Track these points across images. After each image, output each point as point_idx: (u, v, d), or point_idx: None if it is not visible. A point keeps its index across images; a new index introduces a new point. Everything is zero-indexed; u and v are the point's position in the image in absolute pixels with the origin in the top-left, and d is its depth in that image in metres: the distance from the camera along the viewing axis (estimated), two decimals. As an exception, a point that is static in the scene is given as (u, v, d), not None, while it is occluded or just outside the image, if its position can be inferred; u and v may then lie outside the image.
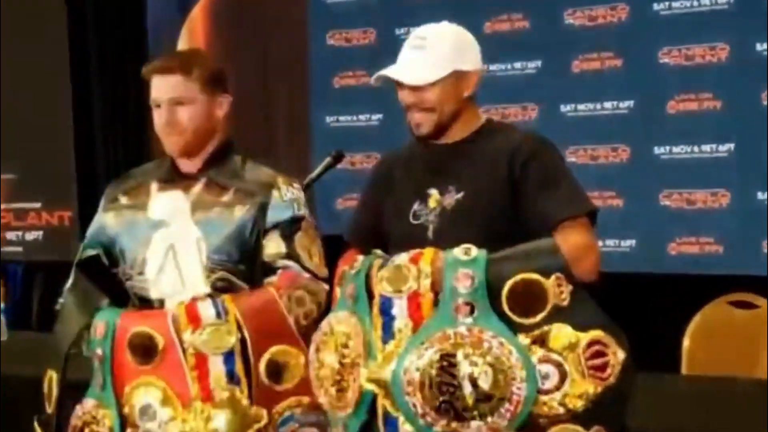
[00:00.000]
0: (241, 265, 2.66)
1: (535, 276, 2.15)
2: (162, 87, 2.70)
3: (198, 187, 2.73)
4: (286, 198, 2.67)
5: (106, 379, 2.58)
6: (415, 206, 2.44)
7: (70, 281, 2.89)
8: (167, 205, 2.75)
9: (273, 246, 2.65)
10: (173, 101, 2.69)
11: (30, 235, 6.32)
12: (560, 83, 4.67)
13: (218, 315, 2.56)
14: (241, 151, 2.82)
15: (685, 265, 4.41)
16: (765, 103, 4.23)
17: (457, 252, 2.22)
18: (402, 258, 2.29)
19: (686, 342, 3.70)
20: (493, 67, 4.68)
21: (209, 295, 2.62)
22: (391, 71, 2.44)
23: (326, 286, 2.63)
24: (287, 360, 2.56)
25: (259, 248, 2.66)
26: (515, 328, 2.14)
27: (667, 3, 4.44)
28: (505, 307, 2.16)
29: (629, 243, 4.55)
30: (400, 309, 2.25)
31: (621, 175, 4.56)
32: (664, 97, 4.45)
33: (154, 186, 2.80)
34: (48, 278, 6.08)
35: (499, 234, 2.28)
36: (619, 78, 4.54)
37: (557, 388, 2.13)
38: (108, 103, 6.12)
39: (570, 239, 2.23)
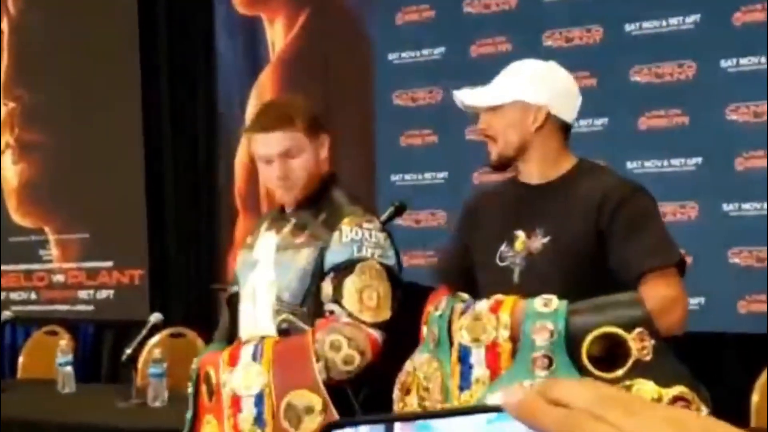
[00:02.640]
0: (303, 308, 2.68)
1: (617, 330, 2.12)
2: (270, 143, 2.74)
3: (287, 228, 2.77)
4: (346, 240, 2.66)
5: (192, 413, 2.76)
6: (502, 248, 2.43)
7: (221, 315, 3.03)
8: (263, 246, 2.81)
9: (325, 289, 2.67)
10: (284, 154, 2.74)
11: (101, 294, 6.40)
12: (627, 140, 4.66)
13: (254, 357, 2.59)
14: (343, 188, 2.84)
15: (755, 323, 4.34)
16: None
17: (537, 303, 2.20)
18: (482, 306, 2.27)
19: (755, 397, 3.63)
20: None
21: (281, 334, 2.67)
22: (459, 93, 2.49)
23: (372, 332, 2.58)
24: (305, 405, 2.55)
25: (318, 291, 2.68)
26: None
27: (733, 60, 4.41)
28: (585, 361, 2.13)
29: (698, 300, 4.48)
30: (478, 358, 2.24)
31: (689, 232, 4.51)
32: (731, 153, 4.41)
33: (264, 226, 2.86)
34: (118, 336, 6.14)
35: (584, 281, 2.25)
36: (593, 97, 4.55)
37: None
38: (179, 163, 6.21)
39: (655, 291, 2.19)
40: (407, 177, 5.30)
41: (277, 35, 5.93)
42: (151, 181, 6.18)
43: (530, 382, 2.11)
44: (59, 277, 6.52)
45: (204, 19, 6.15)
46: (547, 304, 2.20)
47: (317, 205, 2.77)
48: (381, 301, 2.62)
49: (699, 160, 4.49)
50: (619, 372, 2.10)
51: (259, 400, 2.58)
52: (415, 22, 5.28)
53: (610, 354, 2.13)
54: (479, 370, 2.24)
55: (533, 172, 2.44)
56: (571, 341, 2.14)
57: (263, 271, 2.78)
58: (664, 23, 4.55)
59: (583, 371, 2.12)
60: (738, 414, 3.70)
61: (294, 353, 2.59)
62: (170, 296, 6.16)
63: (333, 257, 2.68)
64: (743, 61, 4.38)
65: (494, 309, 2.25)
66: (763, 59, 4.33)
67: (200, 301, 6.06)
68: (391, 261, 2.70)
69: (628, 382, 2.10)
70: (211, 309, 5.94)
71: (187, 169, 6.20)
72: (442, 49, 5.12)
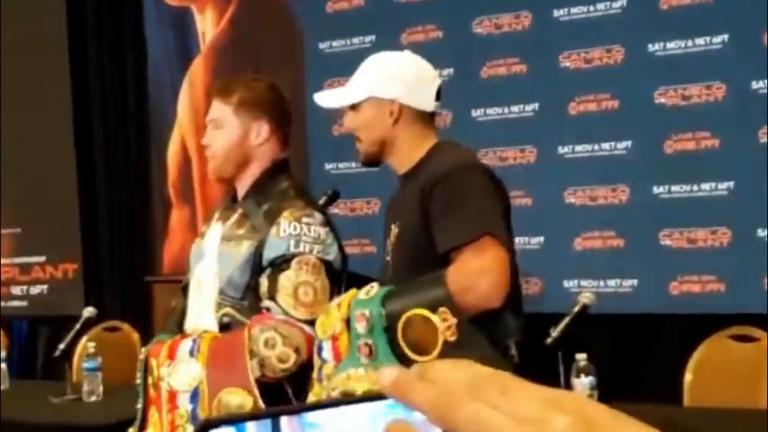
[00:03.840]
0: (244, 302, 2.66)
1: (423, 312, 2.12)
2: (210, 109, 2.78)
3: (233, 218, 2.75)
4: (283, 234, 2.63)
5: (142, 404, 2.72)
6: (387, 244, 2.48)
7: (173, 302, 2.98)
8: (211, 236, 2.79)
9: (262, 284, 2.65)
10: (211, 123, 2.76)
11: (35, 289, 6.32)
12: (557, 125, 4.70)
13: (191, 352, 2.58)
14: (293, 179, 2.82)
15: (687, 303, 4.41)
16: (763, 140, 4.24)
17: (362, 292, 2.21)
18: (334, 302, 2.30)
19: (688, 376, 3.69)
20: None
21: (222, 328, 2.65)
22: (317, 96, 2.52)
23: (308, 329, 2.53)
24: (237, 403, 2.53)
25: (257, 285, 2.66)
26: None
27: (661, 44, 4.47)
28: (403, 346, 2.14)
29: (631, 283, 4.54)
30: (328, 352, 2.25)
31: (621, 215, 4.57)
32: (660, 136, 4.47)
33: (216, 214, 2.84)
34: (53, 331, 6.07)
35: (422, 263, 2.25)
36: (615, 119, 4.56)
37: None
38: (110, 154, 6.15)
39: (459, 268, 2.18)
40: (341, 165, 5.30)
41: (207, 25, 5.89)
42: (83, 174, 6.10)
43: (355, 371, 2.13)
44: (-9, 273, 6.43)
45: (133, 10, 6.09)
46: (368, 292, 2.20)
47: (264, 194, 2.75)
48: (318, 297, 2.58)
49: (629, 143, 4.54)
50: (433, 354, 2.10)
51: (194, 396, 2.56)
52: (345, 10, 5.27)
53: (424, 336, 2.12)
54: (330, 363, 2.24)
55: (398, 163, 2.48)
56: (391, 327, 2.13)
57: (208, 263, 2.76)
58: (591, 8, 4.59)
59: (402, 357, 2.11)
60: (672, 393, 3.76)
61: (229, 350, 2.57)
62: (105, 290, 6.10)
63: (270, 252, 2.65)
64: (670, 45, 4.43)
65: (339, 303, 2.27)
66: (690, 42, 4.39)
67: (135, 294, 6.01)
68: (331, 256, 2.66)
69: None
70: (145, 302, 5.90)
71: (119, 162, 6.14)
72: (372, 38, 5.13)
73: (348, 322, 2.21)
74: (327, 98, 2.56)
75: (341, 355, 2.22)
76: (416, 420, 0.63)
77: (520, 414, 0.61)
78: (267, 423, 0.64)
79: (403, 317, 2.14)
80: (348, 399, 0.66)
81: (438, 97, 2.51)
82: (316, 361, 2.31)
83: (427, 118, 2.49)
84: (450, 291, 2.13)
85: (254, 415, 0.64)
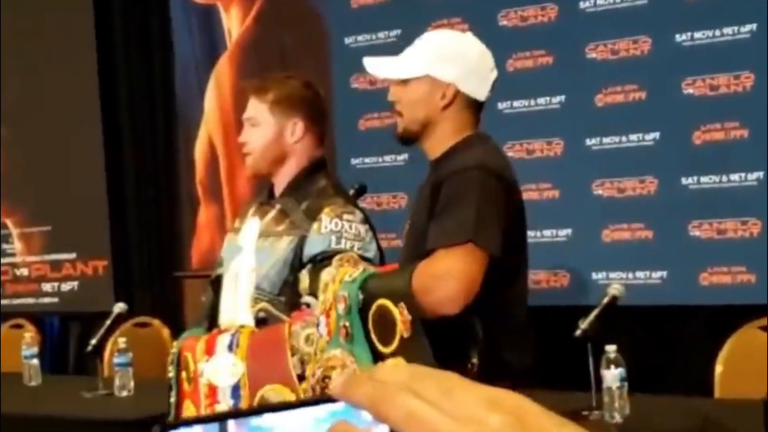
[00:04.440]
0: (280, 297, 2.67)
1: (387, 303, 2.11)
2: (247, 107, 2.80)
3: (271, 214, 2.76)
4: (325, 231, 2.64)
5: (175, 398, 2.72)
6: (406, 228, 2.45)
7: (203, 297, 2.99)
8: (247, 231, 2.80)
9: (303, 280, 2.66)
10: (248, 121, 2.79)
11: (66, 286, 6.37)
12: (585, 117, 4.68)
13: (230, 347, 2.59)
14: (330, 176, 2.82)
15: (717, 295, 4.39)
16: (791, 129, 4.22)
17: (347, 274, 2.20)
18: (330, 277, 2.28)
19: (718, 367, 3.67)
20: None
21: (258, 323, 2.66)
22: (368, 61, 2.44)
23: None
24: (279, 399, 2.54)
25: (296, 282, 2.67)
26: (380, 356, 2.11)
27: (689, 34, 4.45)
28: (372, 333, 2.13)
29: (660, 274, 4.53)
30: (323, 327, 2.26)
31: (649, 206, 4.55)
32: (688, 127, 4.45)
33: (252, 210, 2.85)
34: (84, 327, 6.12)
35: (423, 257, 2.23)
36: (643, 110, 4.54)
37: None
38: (139, 152, 6.19)
39: (429, 267, 2.14)
40: (367, 160, 5.31)
41: (233, 23, 5.91)
42: (112, 171, 6.14)
43: (333, 352, 2.14)
44: (23, 271, 6.49)
45: (159, 8, 6.12)
46: (352, 274, 2.19)
47: (302, 192, 2.76)
48: None
49: (657, 134, 4.52)
50: (392, 346, 2.08)
51: (235, 391, 2.58)
52: (370, 5, 5.28)
53: (388, 327, 2.10)
54: (324, 338, 2.24)
55: (432, 148, 2.40)
56: (366, 312, 2.13)
57: (245, 258, 2.77)
58: (618, 0, 4.57)
59: (371, 343, 2.11)
60: (703, 385, 3.75)
61: (269, 346, 2.58)
62: (134, 286, 6.14)
63: (311, 248, 2.66)
64: (697, 34, 4.41)
65: (333, 278, 2.26)
66: (717, 32, 4.37)
67: (164, 290, 6.04)
68: (371, 253, 2.67)
69: (395, 358, 2.08)
70: (175, 297, 5.93)
71: (148, 159, 6.18)
72: (398, 31, 5.13)
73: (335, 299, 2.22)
74: (379, 66, 2.45)
75: (332, 332, 2.22)
76: (364, 422, 0.64)
77: (458, 412, 0.62)
78: (214, 427, 0.65)
79: (374, 305, 2.12)
80: (292, 403, 0.67)
81: (492, 88, 2.43)
82: (316, 335, 2.31)
83: (475, 108, 2.40)
84: (410, 287, 2.10)
85: (201, 419, 0.66)
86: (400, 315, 2.08)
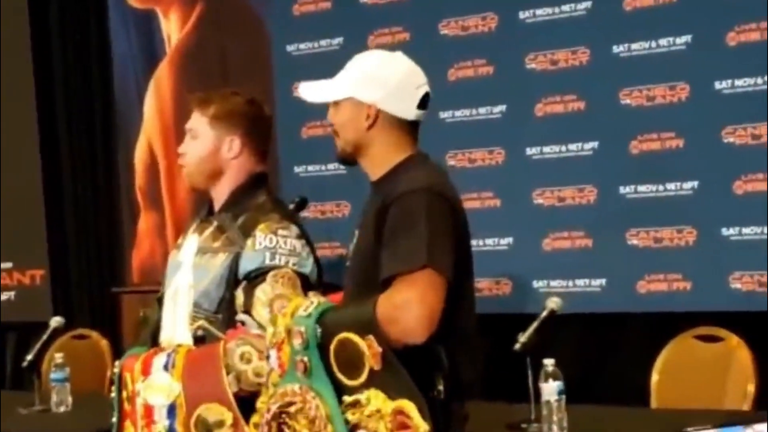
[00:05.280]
0: (218, 315, 2.66)
1: (352, 336, 2.10)
2: (191, 118, 2.80)
3: (209, 231, 2.74)
4: (259, 247, 2.63)
5: (117, 418, 2.72)
6: (349, 248, 2.45)
7: (141, 312, 2.97)
8: (187, 247, 2.78)
9: (238, 297, 2.65)
10: (189, 133, 2.78)
11: (2, 296, 6.28)
12: (525, 126, 4.72)
13: (165, 367, 2.57)
14: (270, 192, 2.81)
15: (654, 302, 4.44)
16: (726, 140, 4.28)
17: (301, 308, 2.21)
18: (282, 311, 2.29)
19: (654, 376, 3.72)
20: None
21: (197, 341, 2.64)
22: (302, 86, 2.47)
23: None
24: (216, 419, 2.53)
25: (232, 299, 2.66)
26: (344, 390, 2.11)
27: (626, 45, 4.50)
28: (334, 367, 2.13)
29: (599, 282, 4.58)
30: (274, 360, 2.25)
31: (589, 215, 4.60)
32: (626, 136, 4.50)
33: (193, 226, 2.83)
34: (21, 338, 6.04)
35: (370, 283, 2.22)
36: (582, 120, 4.59)
37: None
38: (77, 159, 6.12)
39: (389, 298, 2.14)
40: (311, 168, 5.30)
41: (173, 28, 5.87)
42: (49, 179, 6.07)
43: (291, 387, 2.15)
44: (-42, 280, 6.39)
45: (97, 12, 6.06)
46: (307, 308, 2.19)
47: (239, 207, 2.75)
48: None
49: (596, 144, 4.56)
50: (360, 379, 2.09)
51: (171, 411, 2.56)
52: (312, 12, 5.27)
53: (354, 361, 2.11)
54: (276, 371, 2.25)
55: (371, 169, 2.41)
56: (326, 347, 2.13)
57: (183, 275, 2.76)
58: (557, 9, 4.61)
59: (333, 377, 2.12)
60: (640, 394, 3.79)
61: (205, 364, 2.57)
62: (73, 296, 6.07)
63: (245, 265, 2.65)
64: (635, 46, 4.46)
65: (285, 312, 2.26)
66: (653, 43, 4.42)
67: (103, 302, 5.98)
68: (307, 269, 2.66)
69: (365, 391, 2.08)
70: (114, 309, 5.87)
71: (86, 167, 6.11)
72: (340, 40, 5.13)
73: (290, 333, 2.21)
74: (309, 91, 2.49)
75: (284, 365, 2.22)
76: None
77: None
78: None
79: (335, 339, 2.13)
80: None
81: (423, 105, 2.45)
82: (265, 368, 2.31)
83: (406, 127, 2.41)
84: (377, 319, 2.10)
85: None
86: (369, 348, 2.08)
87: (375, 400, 2.08)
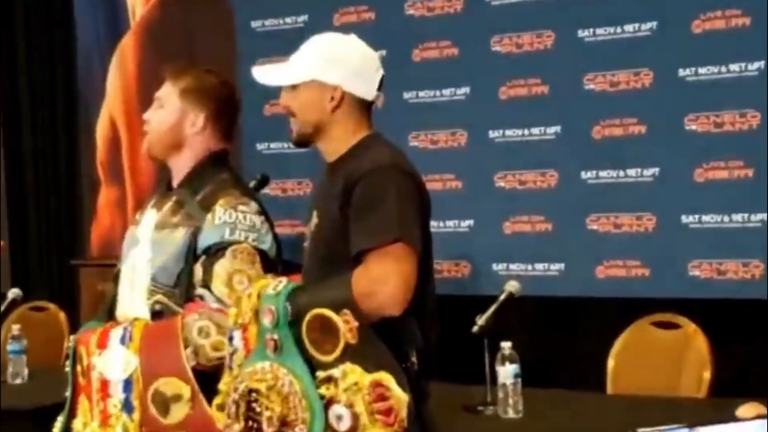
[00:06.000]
0: (176, 289, 2.65)
1: (326, 312, 2.12)
2: (162, 88, 2.79)
3: (168, 206, 2.73)
4: (218, 222, 2.62)
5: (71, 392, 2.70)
6: (307, 228, 2.45)
7: (99, 287, 2.96)
8: (145, 223, 2.77)
9: (197, 272, 2.64)
10: (157, 101, 2.77)
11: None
12: (489, 109, 4.72)
13: (122, 340, 2.56)
14: (231, 170, 2.80)
15: (613, 288, 4.47)
16: (688, 127, 4.31)
17: (269, 286, 2.21)
18: (245, 291, 2.30)
19: (610, 362, 3.75)
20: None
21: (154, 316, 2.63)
22: (256, 70, 2.46)
23: None
24: (173, 393, 2.53)
25: (191, 273, 2.65)
26: (318, 365, 2.12)
27: (591, 30, 4.51)
28: (307, 344, 2.14)
29: (558, 267, 4.60)
30: (238, 341, 2.25)
31: (549, 200, 4.61)
32: (588, 122, 4.52)
33: (151, 201, 2.81)
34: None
35: (338, 260, 2.24)
36: (545, 104, 4.60)
37: (351, 431, 2.08)
38: (38, 132, 6.06)
39: (363, 272, 2.16)
40: (273, 146, 5.28)
41: (138, 2, 5.82)
42: (10, 152, 6.01)
43: (261, 365, 2.15)
44: None
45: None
46: (276, 287, 2.20)
47: (199, 183, 2.73)
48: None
49: (558, 128, 4.58)
50: (334, 355, 2.10)
51: (127, 385, 2.55)
52: (278, -11, 5.24)
53: (327, 336, 2.12)
54: (240, 353, 2.25)
55: (328, 150, 2.42)
56: (297, 323, 2.14)
57: (142, 250, 2.74)
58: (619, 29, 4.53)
59: (305, 353, 2.13)
60: (596, 379, 3.82)
61: (162, 338, 2.56)
62: (32, 269, 6.03)
63: (205, 239, 2.64)
64: (600, 31, 4.48)
65: (249, 293, 2.27)
66: (619, 29, 4.44)
67: (62, 275, 5.94)
68: (266, 245, 2.65)
69: (340, 366, 2.09)
70: (73, 283, 5.83)
71: (46, 140, 6.06)
72: (305, 17, 5.11)
73: (257, 313, 2.21)
74: (266, 74, 2.47)
75: (251, 345, 2.22)
76: None
77: None
78: None
79: (308, 315, 2.14)
80: None
81: (380, 86, 2.47)
82: (228, 348, 2.31)
83: (364, 107, 2.43)
84: (352, 294, 2.12)
85: None
86: (345, 323, 2.09)
87: (352, 374, 2.09)
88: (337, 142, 2.40)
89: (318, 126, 2.39)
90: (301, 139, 2.43)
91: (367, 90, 2.41)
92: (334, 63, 2.38)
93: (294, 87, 2.40)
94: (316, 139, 2.41)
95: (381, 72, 2.44)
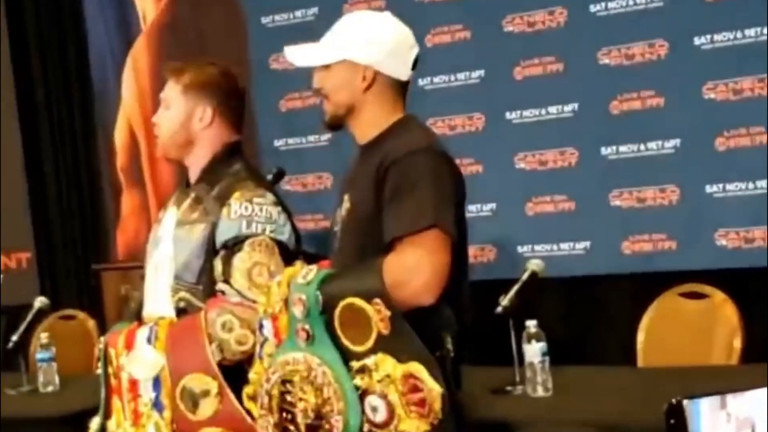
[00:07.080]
0: (199, 286, 2.65)
1: (357, 301, 2.08)
2: (164, 88, 2.78)
3: (187, 202, 2.73)
4: (234, 216, 2.61)
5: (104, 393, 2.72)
6: (337, 213, 2.42)
7: (123, 289, 2.98)
8: (166, 221, 2.77)
9: (216, 267, 2.63)
10: (162, 102, 2.76)
11: (-11, 279, 6.25)
12: (504, 90, 4.69)
13: (149, 340, 2.57)
14: (245, 161, 2.79)
15: (639, 263, 4.43)
16: (707, 96, 4.26)
17: (299, 275, 2.18)
18: (276, 278, 2.27)
19: (640, 336, 3.71)
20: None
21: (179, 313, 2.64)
22: (288, 50, 2.43)
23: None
24: (201, 388, 2.53)
25: (212, 269, 2.65)
26: (351, 356, 2.08)
27: (603, 4, 4.47)
28: (339, 333, 2.10)
29: (584, 245, 4.56)
30: (269, 330, 2.23)
31: (571, 178, 4.58)
32: (606, 97, 4.48)
33: (172, 199, 2.82)
34: (10, 321, 6.01)
35: (372, 245, 2.20)
36: (561, 82, 4.56)
37: (387, 423, 2.05)
38: (56, 141, 6.09)
39: (396, 260, 2.11)
40: (291, 141, 5.27)
41: (148, 5, 5.82)
42: (30, 161, 6.04)
43: (293, 356, 2.12)
44: (-55, 265, 6.37)
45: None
46: (306, 275, 2.17)
47: (214, 177, 2.73)
48: (272, 278, 2.56)
49: (575, 105, 4.54)
50: (367, 344, 2.06)
51: (156, 383, 2.56)
52: (287, -17, 5.23)
53: (360, 326, 2.08)
54: (270, 342, 2.23)
55: (361, 132, 2.37)
56: (328, 313, 2.11)
57: (164, 248, 2.74)
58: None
59: (338, 343, 2.09)
60: (626, 354, 3.79)
61: (187, 335, 2.56)
62: (59, 278, 6.05)
63: (222, 234, 2.63)
64: (612, 4, 4.44)
65: (279, 281, 2.24)
66: (631, 1, 4.40)
67: (89, 282, 5.96)
68: (285, 236, 2.64)
69: (373, 356, 2.06)
70: (101, 289, 5.85)
71: (66, 149, 6.08)
72: (315, 10, 5.09)
73: (287, 302, 2.18)
74: (299, 55, 2.43)
75: (281, 335, 2.20)
76: None
77: None
78: None
79: (340, 304, 2.10)
80: None
81: (414, 66, 2.42)
82: (258, 338, 2.29)
83: (398, 88, 2.37)
84: (382, 282, 2.07)
85: None
86: (377, 312, 2.05)
87: (384, 364, 2.05)
88: (369, 124, 2.35)
89: (350, 107, 2.34)
90: (334, 122, 2.39)
91: (400, 69, 2.35)
92: (366, 42, 2.33)
93: (327, 68, 2.36)
94: (349, 120, 2.37)
95: (415, 50, 2.39)
